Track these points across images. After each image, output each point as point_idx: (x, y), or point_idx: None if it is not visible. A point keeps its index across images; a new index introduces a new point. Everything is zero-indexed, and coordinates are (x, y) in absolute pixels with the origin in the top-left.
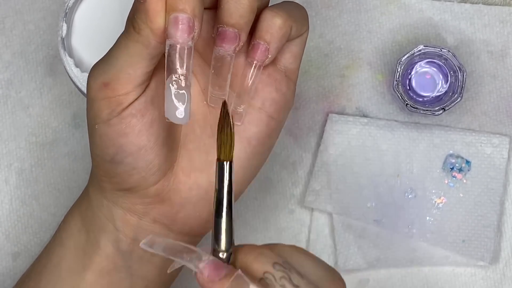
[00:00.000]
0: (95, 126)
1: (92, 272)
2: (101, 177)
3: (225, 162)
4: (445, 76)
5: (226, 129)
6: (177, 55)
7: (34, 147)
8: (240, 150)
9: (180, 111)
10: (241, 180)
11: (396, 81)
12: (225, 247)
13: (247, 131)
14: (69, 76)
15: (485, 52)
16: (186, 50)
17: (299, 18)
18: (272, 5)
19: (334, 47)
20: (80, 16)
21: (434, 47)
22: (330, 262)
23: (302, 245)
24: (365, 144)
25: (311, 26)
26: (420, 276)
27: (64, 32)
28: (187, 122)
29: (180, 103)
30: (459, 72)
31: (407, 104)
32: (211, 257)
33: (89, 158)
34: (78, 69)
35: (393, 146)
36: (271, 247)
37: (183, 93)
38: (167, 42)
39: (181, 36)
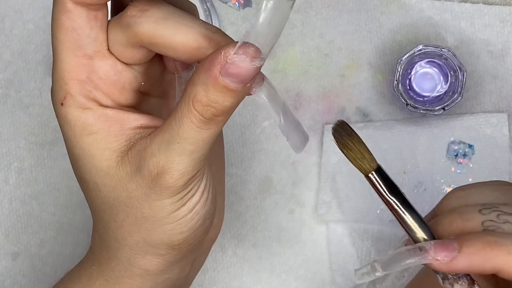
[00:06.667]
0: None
1: None
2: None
3: (370, 174)
4: (445, 76)
5: (353, 145)
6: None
7: (33, 146)
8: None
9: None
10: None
11: (396, 81)
12: (429, 238)
13: None
14: None
15: (485, 52)
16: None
17: None
18: None
19: (334, 47)
20: None
21: (434, 47)
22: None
23: (324, 257)
24: None
25: (311, 26)
26: None
27: None
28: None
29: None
30: (459, 71)
31: (407, 104)
32: (431, 242)
33: None
34: None
35: (394, 144)
36: (451, 205)
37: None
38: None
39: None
